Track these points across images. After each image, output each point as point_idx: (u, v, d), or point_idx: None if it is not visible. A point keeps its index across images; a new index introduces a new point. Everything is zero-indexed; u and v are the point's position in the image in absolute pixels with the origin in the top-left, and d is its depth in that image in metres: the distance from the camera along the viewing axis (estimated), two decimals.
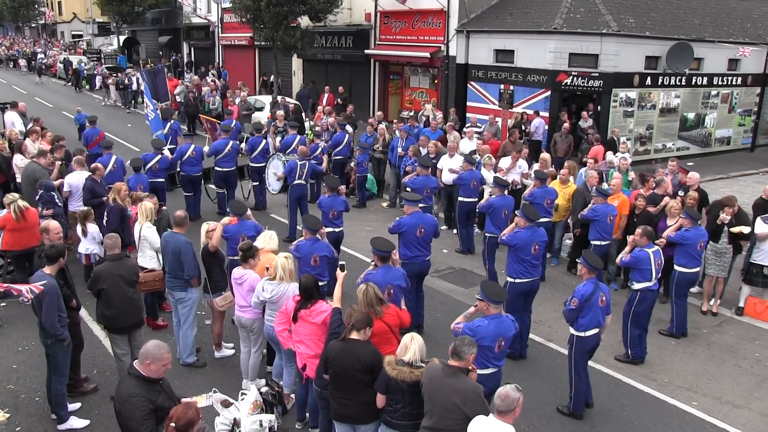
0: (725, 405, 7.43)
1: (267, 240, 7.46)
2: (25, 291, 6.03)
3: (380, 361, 5.20)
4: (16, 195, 9.07)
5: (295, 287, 6.39)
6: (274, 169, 13.49)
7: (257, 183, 14.17)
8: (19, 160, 11.63)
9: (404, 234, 8.38)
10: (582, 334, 6.75)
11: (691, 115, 20.92)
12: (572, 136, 16.57)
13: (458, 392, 4.78)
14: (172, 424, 4.14)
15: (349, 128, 16.21)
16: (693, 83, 20.41)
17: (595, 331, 6.78)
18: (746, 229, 9.35)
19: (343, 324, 5.60)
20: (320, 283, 7.24)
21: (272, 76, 30.43)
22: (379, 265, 6.87)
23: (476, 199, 11.56)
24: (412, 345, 5.08)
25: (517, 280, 7.94)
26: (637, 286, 7.93)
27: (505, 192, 10.13)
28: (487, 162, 12.06)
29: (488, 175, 11.55)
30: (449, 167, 12.46)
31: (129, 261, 7.15)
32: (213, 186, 13.97)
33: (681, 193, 10.67)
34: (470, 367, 5.09)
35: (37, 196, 9.76)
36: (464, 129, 16.17)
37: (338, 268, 6.46)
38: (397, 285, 6.82)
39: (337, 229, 9.74)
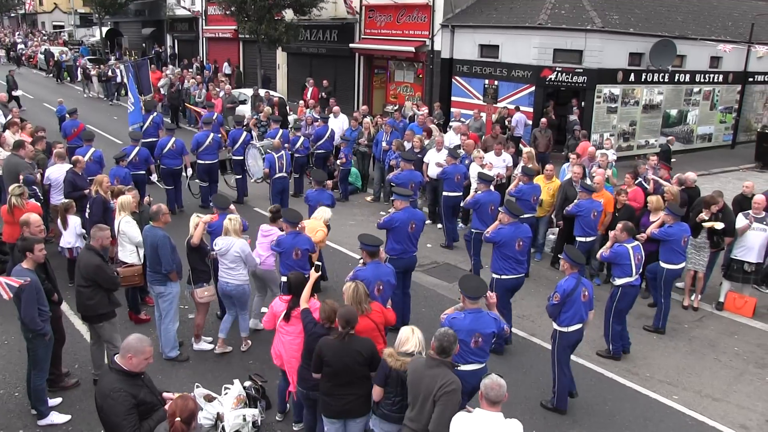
0: (705, 398, 7.53)
1: (322, 212, 8.98)
2: (2, 288, 5.95)
3: (377, 352, 5.22)
4: (20, 189, 8.88)
5: (241, 243, 7.39)
6: (253, 159, 13.40)
7: (240, 176, 14.10)
8: None
9: (395, 229, 8.30)
10: (564, 329, 6.78)
11: (673, 112, 21.13)
12: (551, 131, 16.64)
13: (438, 382, 4.77)
14: (178, 419, 4.10)
15: (337, 121, 16.17)
16: (676, 80, 20.61)
17: (578, 326, 6.80)
18: (719, 225, 9.46)
19: (318, 323, 5.58)
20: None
21: (226, 64, 30.16)
22: (367, 262, 6.83)
23: (461, 194, 11.57)
24: (413, 337, 5.15)
25: (503, 277, 7.94)
26: (618, 281, 7.98)
27: (491, 187, 10.13)
28: (477, 156, 12.05)
29: (476, 170, 11.54)
30: (436, 161, 12.47)
31: (91, 258, 6.69)
32: (196, 180, 13.87)
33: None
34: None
35: None
36: (450, 124, 16.21)
37: (312, 269, 6.41)
38: (386, 281, 6.80)
39: None
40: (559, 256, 7.22)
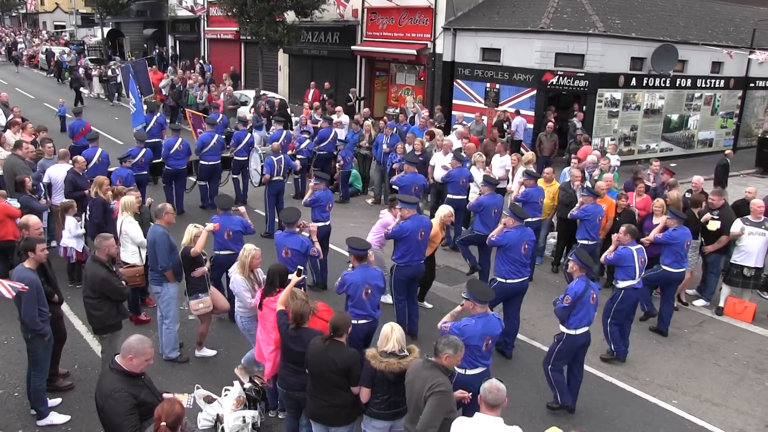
0: (704, 403, 7.53)
1: (442, 209, 9.14)
2: (5, 288, 5.94)
3: (357, 363, 5.19)
4: None
5: (234, 278, 6.91)
6: (254, 164, 13.37)
7: (237, 176, 14.10)
8: None
9: (405, 238, 8.14)
10: (573, 331, 6.75)
11: (674, 117, 21.16)
12: (557, 135, 16.68)
13: (428, 383, 4.78)
14: (163, 423, 4.08)
15: (344, 118, 16.21)
16: (677, 85, 20.63)
17: (585, 329, 6.79)
18: (715, 225, 9.53)
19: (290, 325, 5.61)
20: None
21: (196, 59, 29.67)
22: (356, 265, 6.82)
23: (465, 197, 11.58)
24: (393, 335, 5.12)
25: (508, 281, 7.92)
26: (621, 284, 7.98)
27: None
28: (478, 159, 12.06)
29: (478, 173, 11.55)
30: (442, 164, 12.46)
31: (96, 270, 6.53)
32: (192, 178, 13.89)
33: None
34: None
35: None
36: (453, 127, 16.19)
37: (295, 272, 6.35)
38: (375, 285, 6.76)
39: (327, 222, 9.81)
40: (569, 259, 7.21)
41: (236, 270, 6.93)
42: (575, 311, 6.69)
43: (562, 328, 6.86)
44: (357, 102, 22.37)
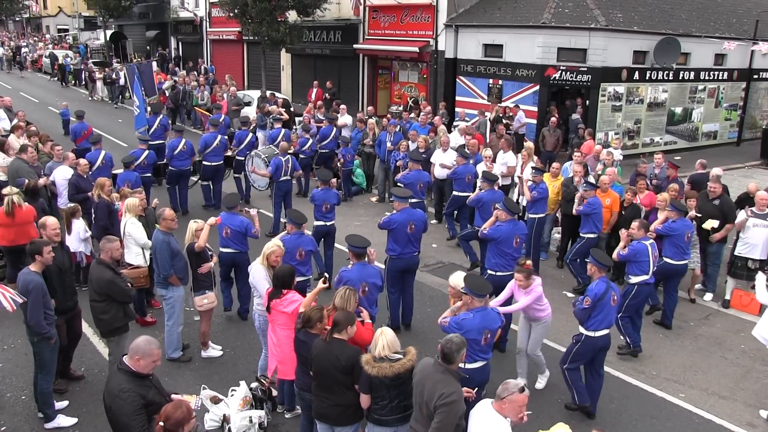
0: (711, 396, 7.51)
1: None
2: (6, 301, 5.99)
3: (360, 362, 5.17)
4: (15, 189, 8.92)
5: (254, 268, 6.84)
6: (257, 168, 13.31)
7: (239, 175, 14.10)
8: (0, 159, 11.43)
9: (394, 230, 8.31)
10: (592, 333, 6.65)
11: (678, 110, 21.07)
12: (560, 131, 16.63)
13: (438, 390, 4.73)
14: (161, 423, 4.12)
15: (346, 120, 16.21)
16: (680, 78, 20.55)
17: (605, 331, 6.68)
18: (714, 223, 9.50)
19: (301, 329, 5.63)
20: (304, 278, 7.22)
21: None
22: (354, 263, 6.84)
23: (471, 194, 11.56)
24: (381, 340, 5.07)
25: (498, 273, 7.95)
26: (634, 279, 7.95)
27: (495, 187, 10.12)
28: (486, 155, 12.04)
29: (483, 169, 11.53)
30: (441, 162, 12.44)
31: (102, 272, 6.55)
32: (194, 178, 13.91)
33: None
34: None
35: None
36: (454, 124, 16.15)
37: (320, 280, 6.37)
38: (372, 282, 6.80)
39: (329, 223, 9.78)
40: (586, 261, 7.18)
41: (257, 261, 6.92)
42: (595, 313, 6.59)
43: (581, 330, 6.77)
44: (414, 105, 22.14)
